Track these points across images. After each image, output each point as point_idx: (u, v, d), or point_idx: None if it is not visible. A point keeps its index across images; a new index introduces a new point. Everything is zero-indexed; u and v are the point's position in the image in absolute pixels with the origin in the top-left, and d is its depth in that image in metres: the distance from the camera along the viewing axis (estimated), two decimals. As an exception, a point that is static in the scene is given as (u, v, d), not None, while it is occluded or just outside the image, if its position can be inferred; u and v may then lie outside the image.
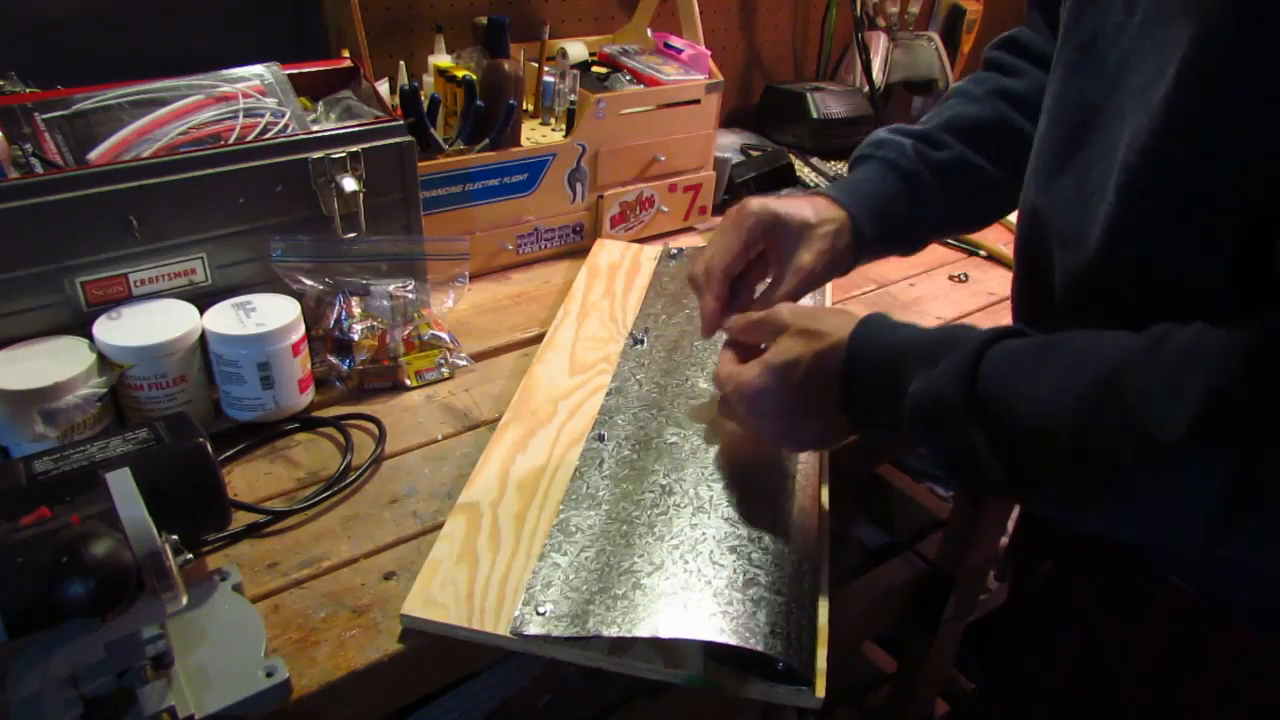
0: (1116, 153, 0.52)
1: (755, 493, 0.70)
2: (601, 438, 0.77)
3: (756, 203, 0.72)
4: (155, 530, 0.50)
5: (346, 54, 1.02)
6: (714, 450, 0.74)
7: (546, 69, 1.16)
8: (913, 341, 0.57)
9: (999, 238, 1.27)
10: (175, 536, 0.52)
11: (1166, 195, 0.50)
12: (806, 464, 0.75)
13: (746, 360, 0.65)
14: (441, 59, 1.09)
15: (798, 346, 0.60)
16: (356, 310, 0.87)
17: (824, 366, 0.59)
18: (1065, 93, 0.60)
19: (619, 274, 1.06)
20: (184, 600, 0.51)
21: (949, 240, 1.27)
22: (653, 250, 1.12)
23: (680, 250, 1.11)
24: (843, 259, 0.74)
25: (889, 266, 1.20)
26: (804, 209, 0.72)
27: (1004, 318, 1.09)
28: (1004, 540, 0.82)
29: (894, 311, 1.07)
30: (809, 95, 1.46)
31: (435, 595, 0.62)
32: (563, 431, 0.79)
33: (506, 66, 1.02)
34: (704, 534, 0.66)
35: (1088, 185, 0.56)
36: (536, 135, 1.12)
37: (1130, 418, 0.44)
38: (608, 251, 1.11)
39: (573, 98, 1.11)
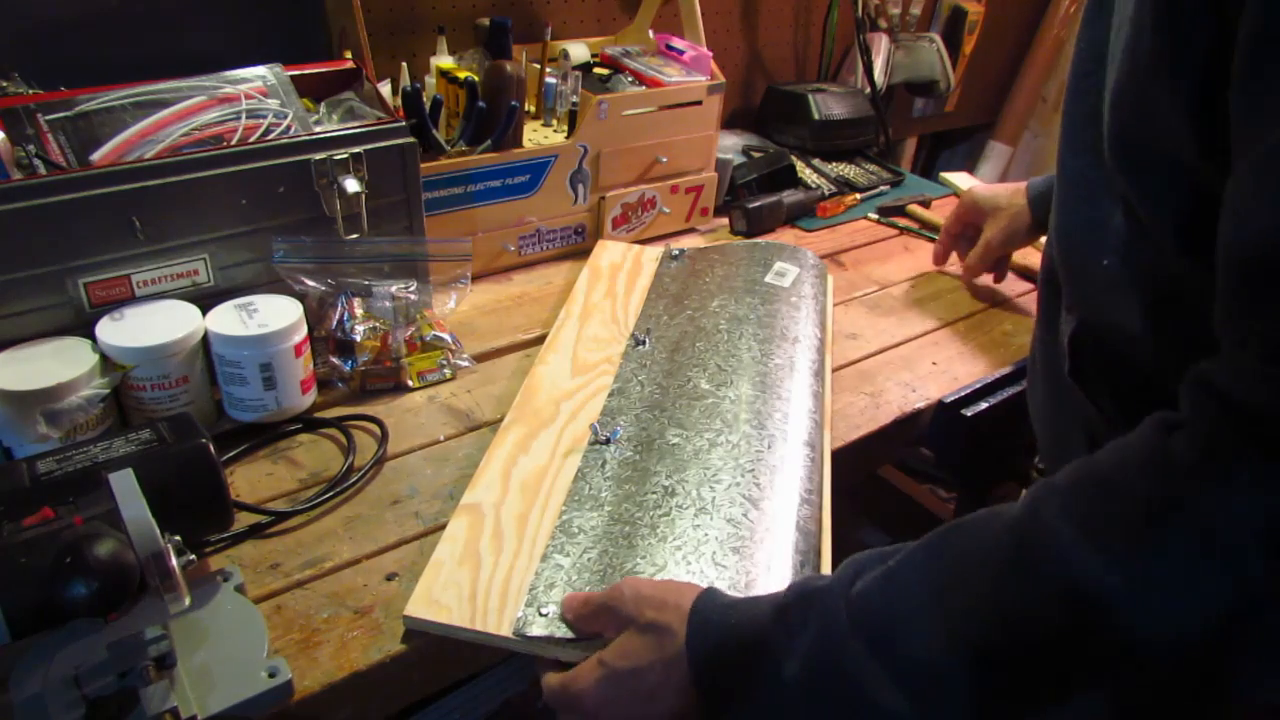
0: None
1: (757, 493, 0.70)
2: (604, 439, 0.77)
3: (974, 188, 1.06)
4: (158, 531, 0.50)
5: (349, 55, 1.02)
6: (716, 451, 0.74)
7: (548, 70, 1.16)
8: (760, 618, 0.50)
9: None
10: (178, 537, 0.52)
11: None
12: (808, 464, 0.75)
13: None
14: (444, 60, 1.09)
15: (644, 651, 0.53)
16: (359, 311, 0.87)
17: (671, 670, 0.51)
18: None
19: (620, 275, 1.06)
20: (186, 601, 0.51)
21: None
22: (654, 251, 1.12)
23: (682, 251, 1.11)
24: (1020, 236, 1.02)
25: (891, 268, 1.20)
26: (1000, 196, 1.03)
27: (1004, 318, 1.09)
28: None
29: (895, 312, 1.08)
30: (810, 97, 1.46)
31: (438, 596, 0.62)
32: (565, 433, 0.79)
33: (508, 68, 1.02)
34: (706, 535, 0.66)
35: None
36: (538, 136, 1.12)
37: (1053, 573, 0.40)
38: (609, 252, 1.11)
39: (575, 99, 1.11)
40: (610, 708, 0.52)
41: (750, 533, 0.66)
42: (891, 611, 0.44)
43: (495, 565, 0.64)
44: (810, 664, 0.46)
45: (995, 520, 0.44)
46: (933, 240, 1.27)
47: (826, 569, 0.67)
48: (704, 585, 0.60)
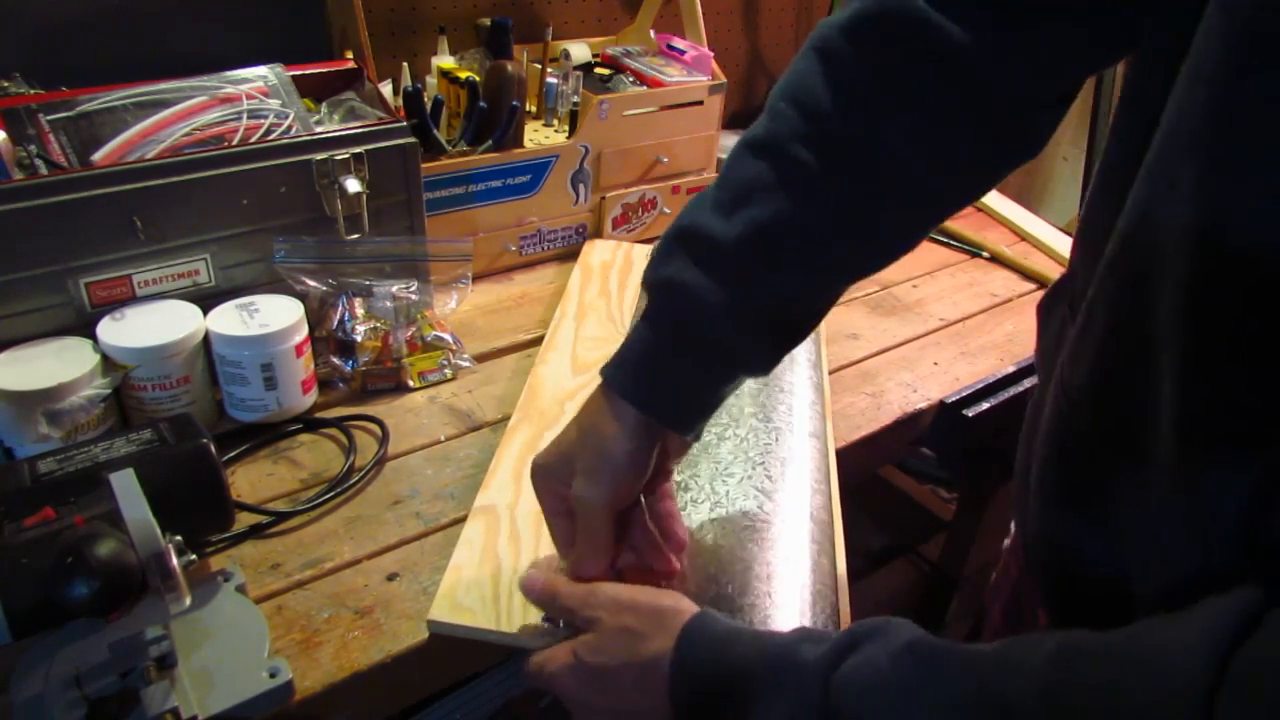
0: None
1: (769, 485, 0.70)
2: None
3: (534, 461, 0.58)
4: (159, 531, 0.51)
5: (350, 55, 1.02)
6: (725, 445, 0.74)
7: (549, 70, 1.16)
8: (745, 665, 0.47)
9: (1001, 238, 1.27)
10: (179, 537, 0.52)
11: None
12: (815, 454, 0.76)
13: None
14: (445, 60, 1.09)
15: (617, 651, 0.51)
16: (359, 311, 0.87)
17: (644, 678, 0.50)
18: None
19: (612, 273, 1.06)
20: (187, 601, 0.51)
21: (952, 242, 1.27)
22: (644, 249, 1.12)
23: None
24: (637, 454, 0.56)
25: (892, 268, 1.19)
26: (568, 440, 0.57)
27: (1005, 318, 1.09)
28: (1006, 542, 0.83)
29: (896, 313, 1.08)
30: (812, 97, 1.46)
31: (461, 599, 0.61)
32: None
33: (509, 68, 1.02)
34: (724, 529, 0.66)
35: None
36: (539, 137, 1.13)
37: None
38: (599, 250, 1.11)
39: (575, 99, 1.11)
40: (579, 696, 0.53)
41: (766, 525, 0.67)
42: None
43: (515, 566, 0.64)
44: None
45: (1011, 677, 0.37)
46: (934, 240, 1.27)
47: (840, 556, 0.67)
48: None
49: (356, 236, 0.87)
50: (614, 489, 0.55)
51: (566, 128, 1.12)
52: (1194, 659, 0.31)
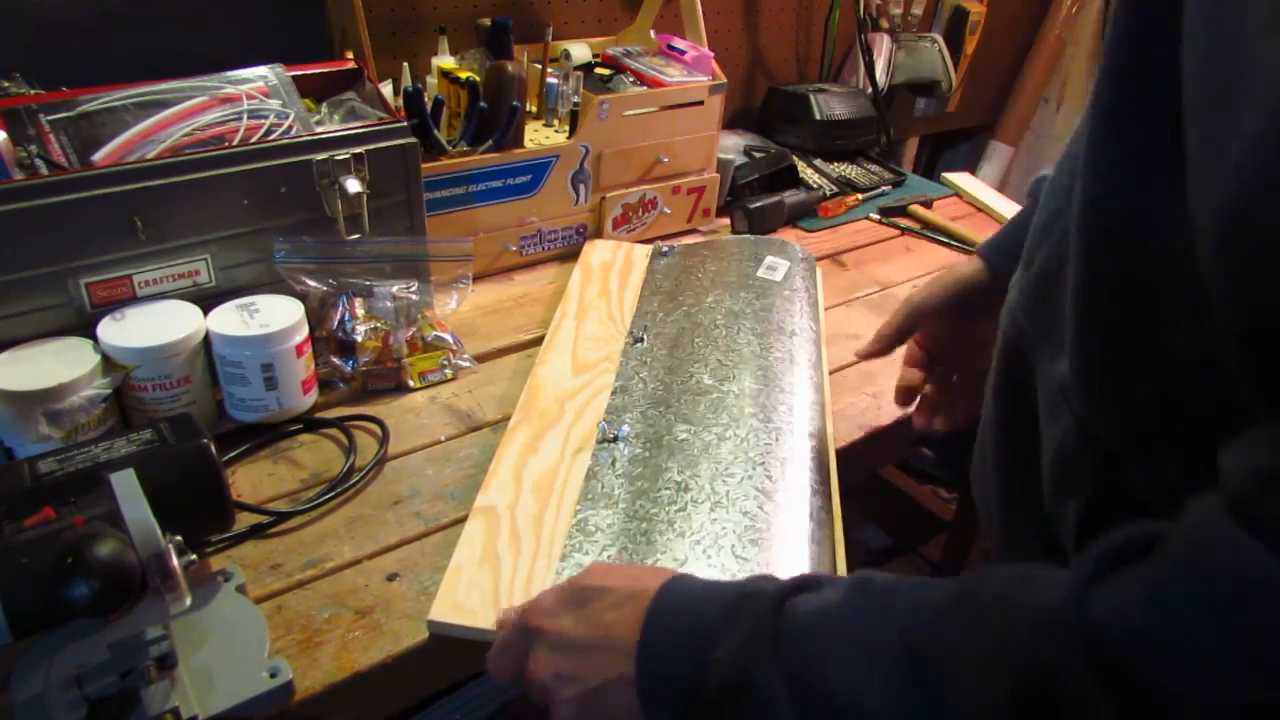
0: None
1: (769, 485, 0.70)
2: (612, 437, 0.77)
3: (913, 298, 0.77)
4: (159, 531, 0.51)
5: (350, 55, 1.02)
6: (725, 445, 0.74)
7: (550, 70, 1.16)
8: (716, 597, 0.48)
9: (1002, 239, 1.27)
10: (179, 537, 0.52)
11: None
12: (815, 455, 0.76)
13: None
14: (445, 60, 1.09)
15: (615, 579, 0.52)
16: (360, 311, 0.87)
17: (630, 605, 0.50)
18: None
19: (613, 273, 1.06)
20: (187, 601, 0.51)
21: (951, 241, 1.27)
22: (643, 249, 1.12)
23: (672, 248, 1.11)
24: (959, 291, 0.74)
25: (893, 268, 1.20)
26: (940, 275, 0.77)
27: (1007, 319, 1.09)
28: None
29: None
30: (812, 97, 1.46)
31: (462, 600, 0.61)
32: (572, 432, 0.79)
33: (510, 68, 1.02)
34: (724, 529, 0.66)
35: None
36: (540, 137, 1.12)
37: (930, 696, 0.37)
38: (599, 250, 1.11)
39: (576, 99, 1.11)
40: (552, 619, 0.51)
41: (767, 524, 0.67)
42: (808, 640, 0.42)
43: (515, 566, 0.64)
44: (730, 654, 0.44)
45: (924, 592, 0.41)
46: (935, 241, 1.27)
47: (841, 556, 0.68)
48: (736, 565, 0.62)
49: (357, 236, 0.87)
50: (933, 300, 0.73)
51: (567, 128, 1.12)
52: (1083, 563, 0.35)
